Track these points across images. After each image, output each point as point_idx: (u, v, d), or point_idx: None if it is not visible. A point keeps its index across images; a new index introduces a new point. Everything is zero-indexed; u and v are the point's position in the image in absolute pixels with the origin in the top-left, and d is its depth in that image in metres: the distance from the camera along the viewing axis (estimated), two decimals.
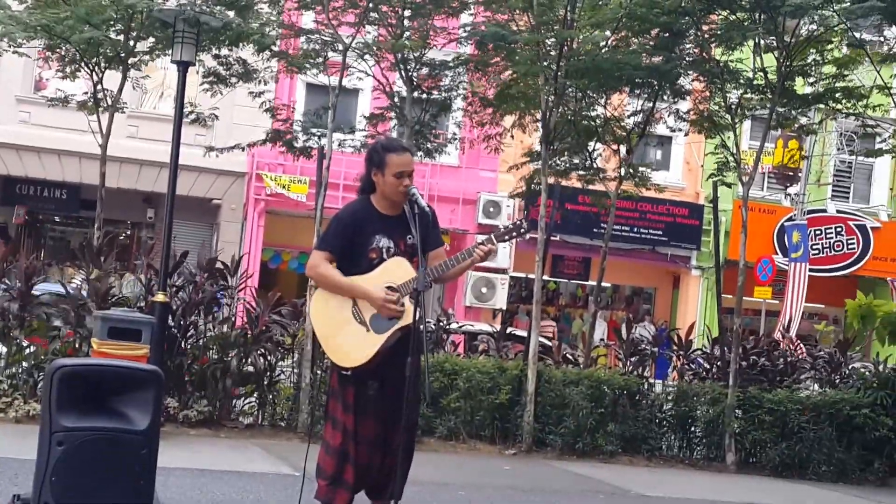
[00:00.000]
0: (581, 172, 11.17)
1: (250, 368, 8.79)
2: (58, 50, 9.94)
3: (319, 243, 4.79)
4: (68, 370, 4.22)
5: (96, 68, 9.75)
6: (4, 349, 8.30)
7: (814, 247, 20.16)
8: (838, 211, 21.33)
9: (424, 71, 10.48)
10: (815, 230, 20.39)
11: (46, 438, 4.13)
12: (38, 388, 8.04)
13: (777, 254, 19.60)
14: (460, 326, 11.35)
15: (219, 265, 8.80)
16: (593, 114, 10.85)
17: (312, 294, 8.02)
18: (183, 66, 7.94)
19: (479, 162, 16.94)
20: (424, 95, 10.52)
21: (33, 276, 8.39)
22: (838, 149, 20.56)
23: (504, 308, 19.11)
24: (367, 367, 4.55)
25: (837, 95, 10.11)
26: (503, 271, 19.78)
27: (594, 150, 11.15)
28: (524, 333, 10.69)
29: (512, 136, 11.31)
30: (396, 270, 4.58)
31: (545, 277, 9.92)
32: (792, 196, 20.18)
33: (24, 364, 8.30)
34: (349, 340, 4.57)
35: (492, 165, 18.00)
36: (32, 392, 8.12)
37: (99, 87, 9.87)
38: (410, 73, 10.19)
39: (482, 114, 11.12)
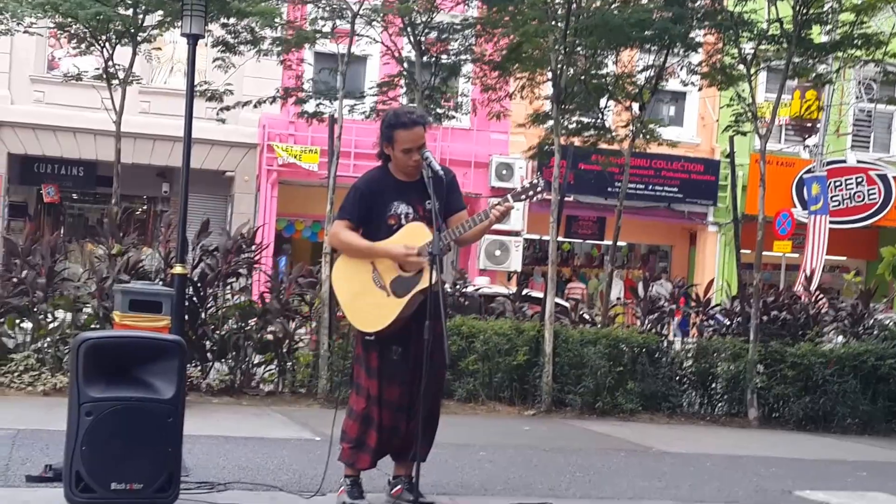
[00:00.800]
0: (592, 132, 11.10)
1: (269, 337, 8.88)
2: (67, 28, 9.95)
3: (339, 213, 4.85)
4: (93, 342, 4.31)
5: (107, 44, 9.77)
6: (30, 325, 8.43)
7: (834, 198, 19.98)
8: (858, 161, 21.08)
9: (433, 35, 10.42)
10: (834, 181, 20.18)
11: (75, 409, 4.22)
12: (64, 362, 8.19)
13: (796, 207, 19.47)
14: (476, 289, 11.36)
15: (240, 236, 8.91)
16: (604, 71, 10.75)
17: (329, 262, 8.11)
18: (192, 39, 7.91)
19: (491, 124, 16.84)
20: (433, 60, 10.46)
21: (56, 252, 8.49)
22: (857, 97, 20.28)
23: (519, 270, 19.14)
24: (389, 331, 4.63)
25: (856, 43, 9.94)
26: (517, 233, 19.78)
27: (605, 107, 11.06)
28: (540, 294, 10.70)
29: (522, 97, 11.24)
30: (414, 235, 4.64)
31: (559, 238, 9.89)
32: (810, 148, 19.98)
33: (49, 339, 8.44)
34: (370, 305, 4.65)
35: (503, 127, 17.91)
36: (58, 365, 8.26)
37: (110, 62, 9.89)
38: (419, 38, 10.13)
39: (488, 77, 11.05)
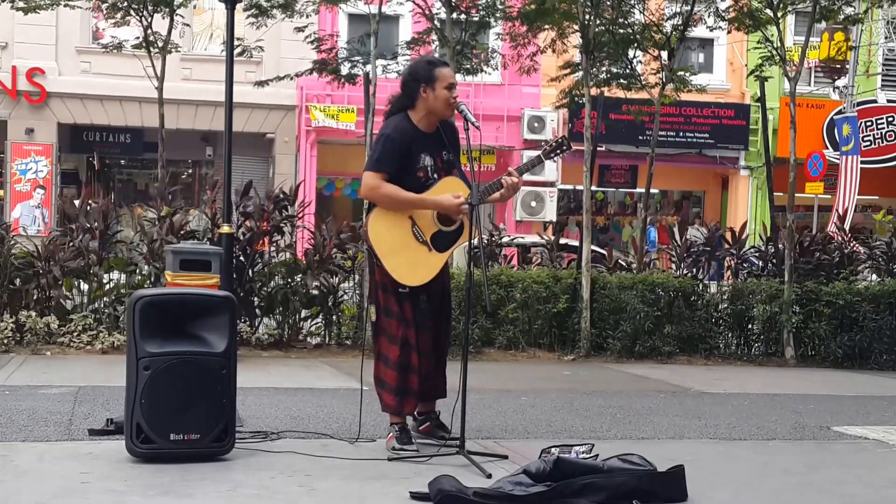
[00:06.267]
0: (622, 81, 11.13)
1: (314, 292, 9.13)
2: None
3: (374, 165, 4.72)
4: (148, 299, 4.44)
5: (144, 13, 9.95)
6: (86, 286, 8.72)
7: (865, 138, 19.86)
8: (889, 101, 20.89)
9: None
10: (865, 122, 20.04)
11: (133, 364, 4.36)
12: (120, 321, 8.43)
13: (827, 148, 19.38)
14: (512, 239, 11.50)
15: (280, 195, 9.12)
16: (631, 20, 10.75)
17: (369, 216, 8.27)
18: (231, 4, 8.08)
19: (522, 78, 16.87)
20: (463, 16, 10.53)
21: (108, 216, 8.76)
22: (886, 37, 20.03)
23: (554, 220, 19.29)
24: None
25: None
26: (551, 184, 19.89)
27: (634, 57, 11.08)
28: (576, 243, 10.83)
29: (553, 51, 11.28)
30: (453, 188, 4.74)
31: (593, 188, 9.99)
32: (840, 89, 19.80)
33: (106, 299, 8.70)
34: (412, 260, 4.73)
35: (534, 81, 17.96)
36: (115, 324, 8.52)
37: (149, 31, 10.08)
38: None
39: (516, 27, 11.07)
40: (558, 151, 4.93)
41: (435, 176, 4.77)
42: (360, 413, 5.06)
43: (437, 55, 11.37)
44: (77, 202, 14.65)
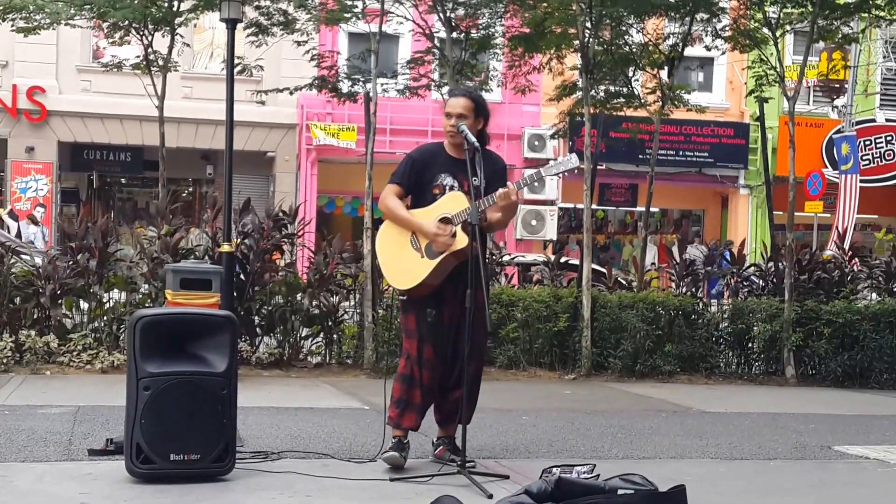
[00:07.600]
0: (621, 100, 11.18)
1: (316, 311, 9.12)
2: (107, 19, 10.19)
3: (391, 177, 5.14)
4: (149, 319, 4.47)
5: (145, 32, 10.01)
6: (87, 305, 8.71)
7: (864, 157, 19.94)
8: (887, 120, 20.99)
9: (461, 12, 10.56)
10: (864, 140, 20.13)
11: (134, 384, 4.38)
12: (121, 340, 8.42)
13: (826, 167, 19.44)
14: (512, 258, 11.53)
15: (280, 214, 9.13)
16: (630, 40, 10.82)
17: (370, 236, 8.40)
18: (231, 24, 8.14)
19: (522, 97, 16.95)
20: (463, 35, 10.60)
21: (108, 235, 8.75)
22: (884, 57, 20.16)
23: (554, 238, 19.33)
24: (421, 292, 4.87)
25: (879, 3, 9.94)
26: (552, 203, 19.94)
27: (633, 76, 11.13)
28: (577, 262, 10.84)
29: (550, 70, 11.34)
30: (451, 203, 4.90)
31: (593, 206, 10.01)
32: (839, 108, 19.90)
33: (106, 318, 8.70)
34: (405, 264, 4.94)
35: (534, 100, 18.03)
36: (115, 344, 8.51)
37: (150, 49, 10.13)
38: (448, 14, 10.27)
39: (513, 54, 11.16)
40: (563, 169, 4.99)
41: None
42: (384, 435, 5.05)
43: (436, 75, 11.47)
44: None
